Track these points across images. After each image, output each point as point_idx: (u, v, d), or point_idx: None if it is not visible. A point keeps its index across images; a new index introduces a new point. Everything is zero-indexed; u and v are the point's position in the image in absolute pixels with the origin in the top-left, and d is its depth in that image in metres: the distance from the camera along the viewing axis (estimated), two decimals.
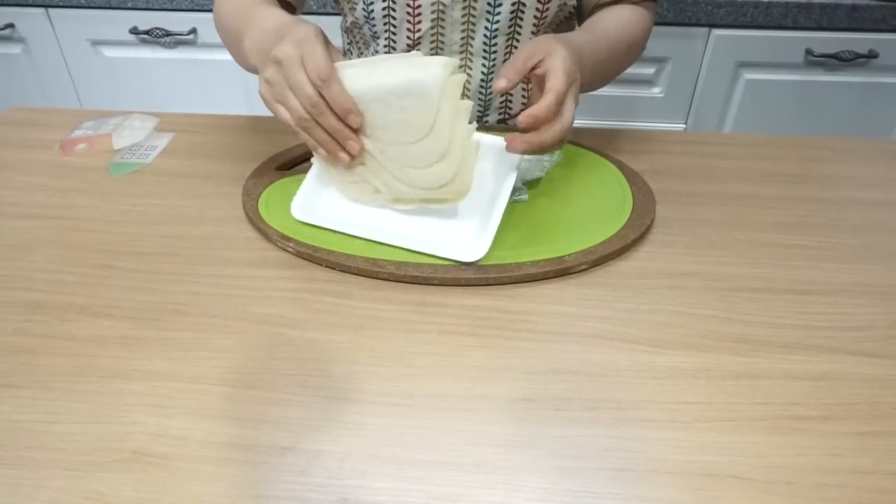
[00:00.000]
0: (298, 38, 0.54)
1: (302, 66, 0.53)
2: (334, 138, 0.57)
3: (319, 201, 0.64)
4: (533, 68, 0.58)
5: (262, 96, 0.58)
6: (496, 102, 0.84)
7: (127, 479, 0.41)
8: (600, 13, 0.76)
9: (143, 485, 0.40)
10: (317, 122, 0.55)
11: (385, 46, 0.79)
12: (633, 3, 0.77)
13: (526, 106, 0.87)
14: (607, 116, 1.45)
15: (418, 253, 0.58)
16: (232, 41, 0.71)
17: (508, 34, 0.76)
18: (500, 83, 0.57)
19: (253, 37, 0.63)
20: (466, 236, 0.60)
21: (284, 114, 0.56)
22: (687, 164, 0.75)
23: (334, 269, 0.58)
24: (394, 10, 0.74)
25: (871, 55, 1.32)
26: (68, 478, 0.41)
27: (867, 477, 0.41)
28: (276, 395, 0.47)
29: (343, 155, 0.58)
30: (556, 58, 0.57)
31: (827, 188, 0.71)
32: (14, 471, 0.41)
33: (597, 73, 0.69)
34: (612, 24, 0.73)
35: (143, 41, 1.45)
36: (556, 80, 0.56)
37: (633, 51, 0.77)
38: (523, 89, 0.84)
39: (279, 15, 0.62)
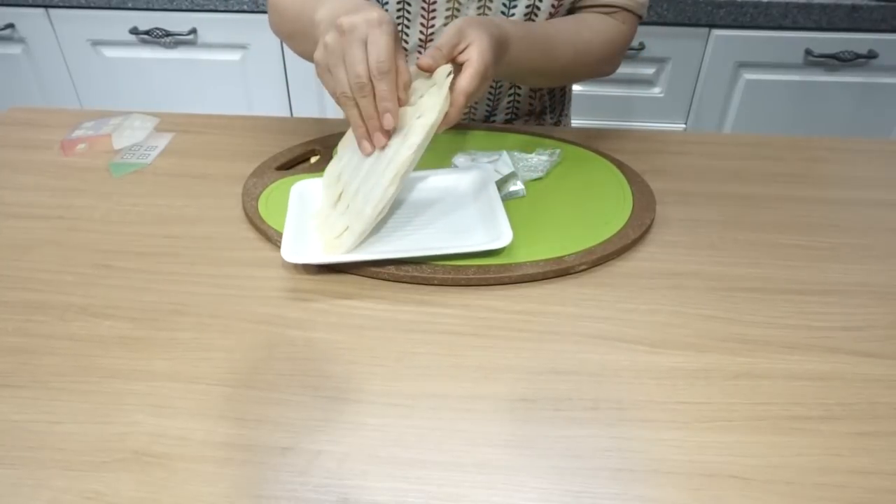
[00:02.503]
0: (370, 18, 0.54)
1: (363, 44, 0.53)
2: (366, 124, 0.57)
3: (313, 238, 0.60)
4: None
5: (315, 60, 0.57)
6: (503, 103, 0.84)
7: (127, 479, 0.41)
8: (564, 17, 0.75)
9: (143, 485, 0.40)
10: (356, 101, 0.55)
11: None
12: (609, 12, 0.75)
13: (532, 108, 0.87)
14: (607, 116, 1.45)
15: (441, 257, 0.57)
16: (297, 24, 0.68)
17: None
18: (426, 61, 0.56)
19: (327, 8, 0.60)
20: (479, 232, 0.61)
21: (330, 83, 0.56)
22: (687, 164, 0.75)
23: (334, 269, 0.58)
24: (409, 4, 0.74)
25: (871, 55, 1.32)
26: (68, 478, 0.41)
27: (867, 477, 0.41)
28: (276, 395, 0.47)
29: (367, 144, 0.57)
30: (476, 50, 0.57)
31: (827, 188, 0.71)
32: (14, 471, 0.41)
33: (520, 68, 0.68)
34: (561, 29, 0.72)
35: (143, 41, 1.45)
36: (468, 81, 0.56)
37: (585, 61, 0.74)
38: (531, 91, 0.84)
39: None
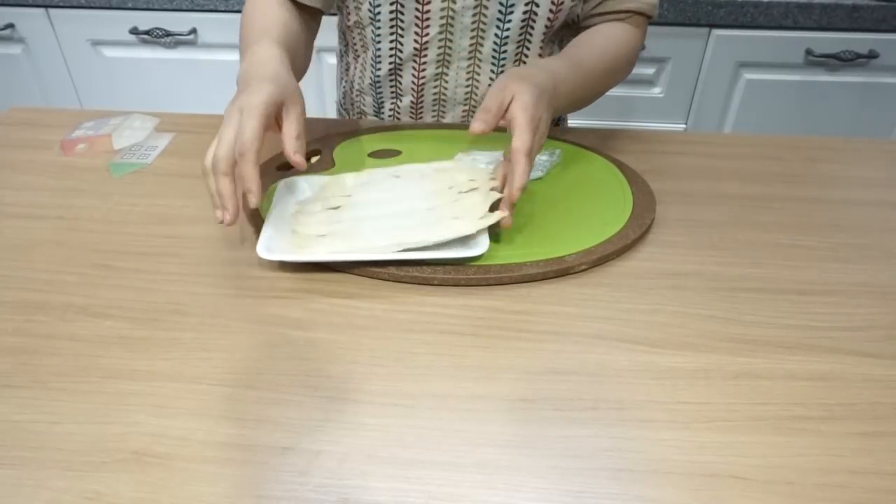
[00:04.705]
0: (245, 103, 0.54)
1: (234, 127, 0.54)
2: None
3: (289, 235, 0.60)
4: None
5: None
6: None
7: (127, 479, 0.41)
8: (586, 34, 0.76)
9: (143, 485, 0.40)
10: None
11: (390, 50, 0.78)
12: (622, 18, 0.76)
13: None
14: (607, 116, 1.45)
15: (414, 262, 0.57)
16: None
17: (519, 41, 0.76)
18: (478, 126, 0.57)
19: (244, 66, 0.62)
20: (457, 239, 0.60)
21: None
22: (687, 164, 0.75)
23: (334, 269, 0.58)
24: (402, 13, 0.74)
25: (872, 55, 1.32)
26: (68, 478, 0.41)
27: (867, 477, 0.41)
28: (276, 395, 0.47)
29: (219, 213, 0.55)
30: (518, 106, 0.57)
31: (827, 188, 0.71)
32: (14, 471, 0.41)
33: (572, 99, 0.70)
34: (594, 49, 0.73)
35: (143, 41, 1.45)
36: (521, 140, 0.56)
37: (614, 72, 0.76)
38: None
39: (259, 59, 0.61)
